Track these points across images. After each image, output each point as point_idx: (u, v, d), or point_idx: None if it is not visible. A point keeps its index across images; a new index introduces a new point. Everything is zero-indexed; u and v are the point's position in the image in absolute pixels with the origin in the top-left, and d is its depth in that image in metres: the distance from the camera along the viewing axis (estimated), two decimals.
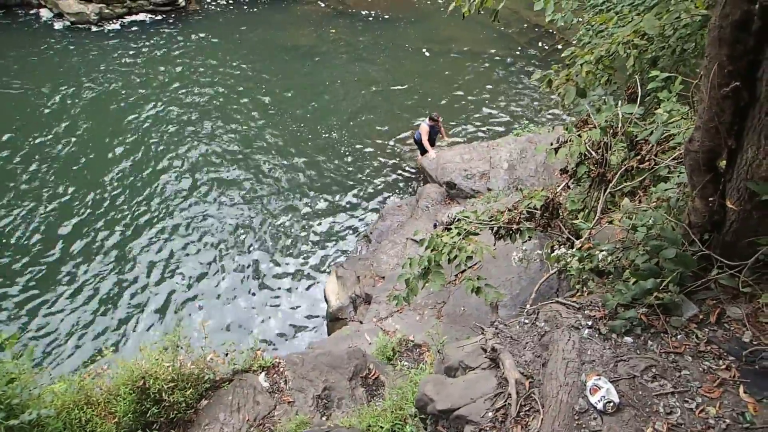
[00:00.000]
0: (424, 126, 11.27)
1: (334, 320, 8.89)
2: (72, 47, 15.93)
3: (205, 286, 9.46)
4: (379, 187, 11.76)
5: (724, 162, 2.99)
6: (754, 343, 2.84)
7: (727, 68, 2.62)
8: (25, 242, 9.94)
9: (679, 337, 3.00)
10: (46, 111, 13.21)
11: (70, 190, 11.10)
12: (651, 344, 3.01)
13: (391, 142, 12.90)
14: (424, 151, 11.52)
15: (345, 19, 18.49)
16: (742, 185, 2.83)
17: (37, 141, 12.23)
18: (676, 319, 3.05)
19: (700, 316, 3.05)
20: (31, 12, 17.26)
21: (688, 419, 2.61)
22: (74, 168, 11.65)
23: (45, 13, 17.21)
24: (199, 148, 12.51)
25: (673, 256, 3.07)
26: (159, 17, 17.69)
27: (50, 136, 12.40)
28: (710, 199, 3.00)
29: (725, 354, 2.86)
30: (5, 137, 12.22)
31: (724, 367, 2.81)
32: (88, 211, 10.69)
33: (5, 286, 9.14)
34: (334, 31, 17.57)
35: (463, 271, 7.45)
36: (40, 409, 4.41)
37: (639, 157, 4.36)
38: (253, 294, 9.44)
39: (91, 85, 14.29)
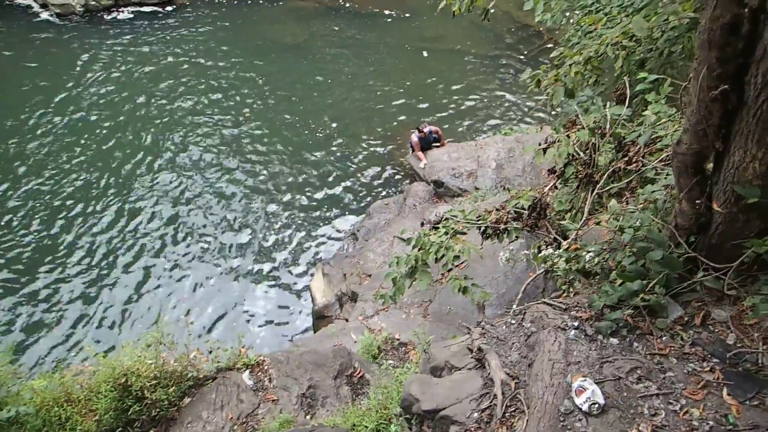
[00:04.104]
0: (414, 138, 11.10)
1: (320, 318, 8.85)
2: (59, 39, 15.72)
3: (189, 283, 9.36)
4: (367, 184, 11.72)
5: (712, 165, 3.00)
6: (738, 345, 2.85)
7: (716, 71, 2.62)
8: (6, 236, 9.79)
9: (664, 338, 3.01)
10: (35, 102, 13.03)
11: (55, 187, 10.94)
12: (636, 346, 3.02)
13: (379, 140, 12.86)
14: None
15: (335, 14, 18.39)
16: (729, 188, 2.84)
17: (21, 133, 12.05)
18: (661, 320, 3.06)
19: (686, 318, 3.06)
20: (19, 2, 16.99)
21: (672, 421, 2.61)
22: (60, 164, 11.49)
23: (30, 4, 16.93)
24: (184, 144, 12.37)
25: (660, 258, 3.07)
26: (147, 10, 17.44)
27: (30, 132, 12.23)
28: (697, 201, 3.01)
29: (709, 356, 2.87)
30: None
31: (708, 369, 2.82)
32: (69, 207, 10.54)
33: None
34: (337, 28, 17.46)
35: (449, 270, 7.45)
36: (18, 406, 4.34)
37: (626, 159, 4.36)
38: (238, 291, 9.36)
39: (72, 80, 14.09)
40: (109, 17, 16.99)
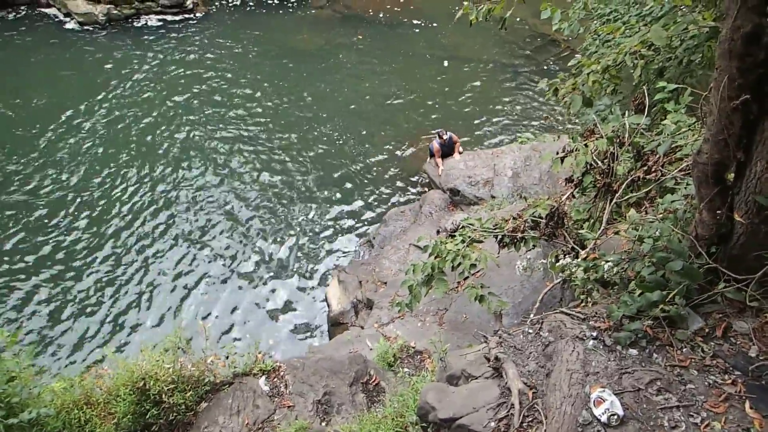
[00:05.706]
0: (435, 145, 11.11)
1: (336, 325, 8.87)
2: (89, 47, 16.06)
3: (206, 289, 9.45)
4: (383, 192, 11.76)
5: (733, 175, 2.98)
6: (761, 358, 2.82)
7: (737, 81, 2.61)
8: (27, 238, 9.97)
9: (684, 350, 2.98)
10: (61, 116, 13.32)
11: (82, 190, 11.15)
12: (656, 357, 2.99)
13: (396, 148, 12.89)
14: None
15: (351, 23, 18.51)
16: (751, 198, 2.81)
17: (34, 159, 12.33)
18: (681, 332, 3.03)
19: (706, 330, 3.03)
20: (43, 11, 17.38)
21: None
22: (88, 167, 11.71)
23: (54, 12, 17.33)
24: (202, 151, 12.52)
25: (680, 269, 3.05)
26: (167, 18, 17.75)
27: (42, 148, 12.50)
28: (718, 211, 2.98)
29: (731, 368, 2.84)
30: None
31: (729, 381, 2.78)
32: (92, 210, 10.73)
33: (8, 283, 9.16)
34: (361, 36, 17.59)
35: (466, 279, 7.43)
36: (39, 408, 4.40)
37: (645, 168, 4.33)
38: (255, 297, 9.42)
39: (103, 87, 14.36)
40: (140, 24, 17.38)
